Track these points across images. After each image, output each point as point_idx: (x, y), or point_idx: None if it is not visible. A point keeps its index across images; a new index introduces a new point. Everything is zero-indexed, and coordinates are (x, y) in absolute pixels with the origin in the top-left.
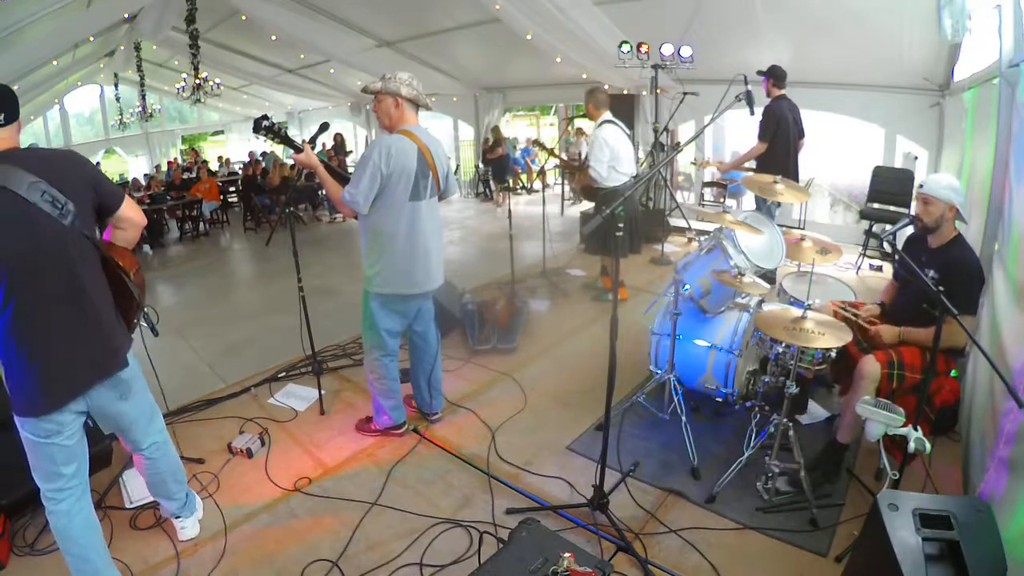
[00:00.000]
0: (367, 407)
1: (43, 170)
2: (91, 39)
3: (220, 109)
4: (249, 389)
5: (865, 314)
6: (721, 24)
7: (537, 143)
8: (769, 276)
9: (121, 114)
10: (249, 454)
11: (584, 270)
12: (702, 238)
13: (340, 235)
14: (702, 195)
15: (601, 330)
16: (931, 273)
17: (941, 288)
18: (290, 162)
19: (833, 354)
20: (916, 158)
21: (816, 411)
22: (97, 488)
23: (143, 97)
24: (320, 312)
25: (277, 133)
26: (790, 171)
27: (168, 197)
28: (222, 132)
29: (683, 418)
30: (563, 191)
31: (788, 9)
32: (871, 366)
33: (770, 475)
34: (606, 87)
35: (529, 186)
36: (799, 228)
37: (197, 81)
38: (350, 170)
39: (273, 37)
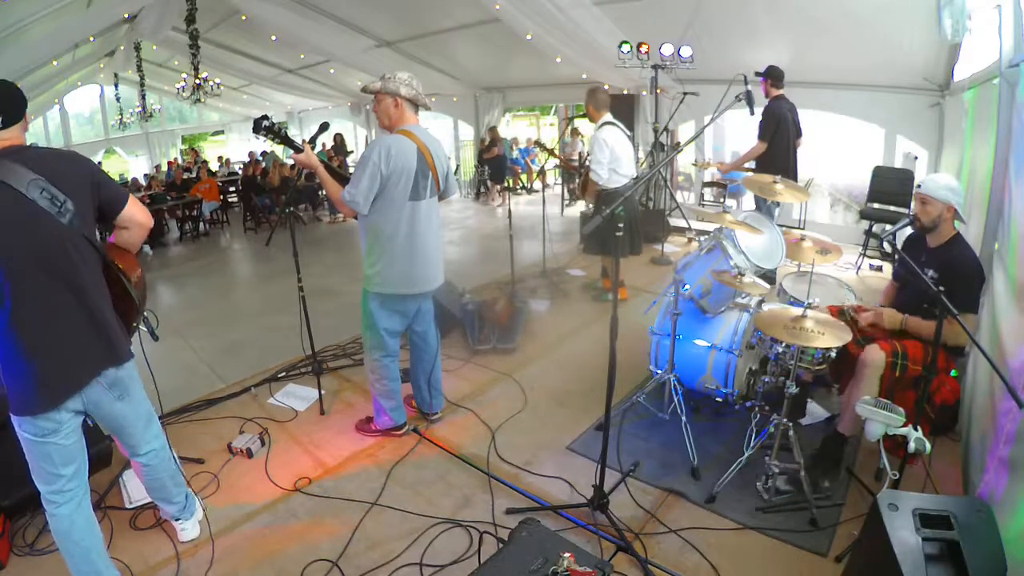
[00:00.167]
0: (367, 407)
1: (43, 168)
2: (91, 39)
3: (220, 109)
4: (249, 389)
5: (863, 320)
6: (721, 24)
7: (539, 144)
8: (769, 276)
9: (121, 114)
10: (249, 454)
11: (584, 270)
12: (702, 238)
13: (340, 235)
14: (702, 195)
15: (601, 330)
16: (931, 273)
17: (941, 288)
18: (290, 162)
19: (833, 354)
20: (916, 158)
21: (816, 411)
22: (97, 488)
23: (143, 97)
24: (320, 312)
25: (277, 133)
26: (790, 170)
27: (168, 197)
28: (222, 132)
29: (683, 418)
30: (563, 191)
31: (788, 9)
32: (876, 355)
33: (770, 475)
34: (606, 87)
35: (529, 186)
36: (799, 228)
37: (197, 81)
38: (351, 170)
39: (273, 37)
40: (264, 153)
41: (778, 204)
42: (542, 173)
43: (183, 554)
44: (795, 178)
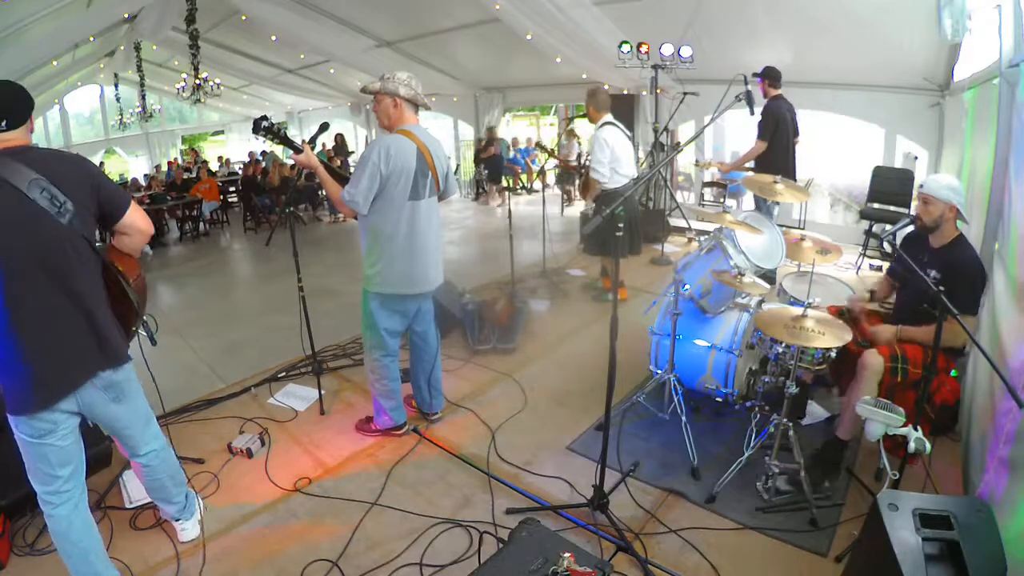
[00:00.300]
0: (367, 407)
1: (45, 168)
2: (91, 39)
3: (220, 109)
4: (249, 389)
5: (854, 304)
6: (721, 24)
7: (539, 145)
8: (769, 276)
9: (121, 114)
10: (249, 454)
11: (584, 270)
12: (702, 238)
13: (340, 235)
14: (702, 195)
15: (601, 330)
16: (933, 273)
17: (941, 288)
18: (290, 162)
19: (833, 354)
20: (916, 158)
21: (816, 411)
22: (97, 488)
23: (143, 97)
24: (320, 312)
25: (276, 134)
26: (789, 170)
27: (168, 197)
28: (222, 132)
29: (683, 418)
30: (562, 195)
31: (788, 9)
32: (874, 359)
33: (770, 475)
34: (606, 87)
35: (529, 186)
36: (799, 228)
37: (197, 81)
38: (352, 171)
39: (273, 37)
40: (264, 153)
41: (777, 204)
42: (542, 173)
43: (183, 554)
44: (794, 177)
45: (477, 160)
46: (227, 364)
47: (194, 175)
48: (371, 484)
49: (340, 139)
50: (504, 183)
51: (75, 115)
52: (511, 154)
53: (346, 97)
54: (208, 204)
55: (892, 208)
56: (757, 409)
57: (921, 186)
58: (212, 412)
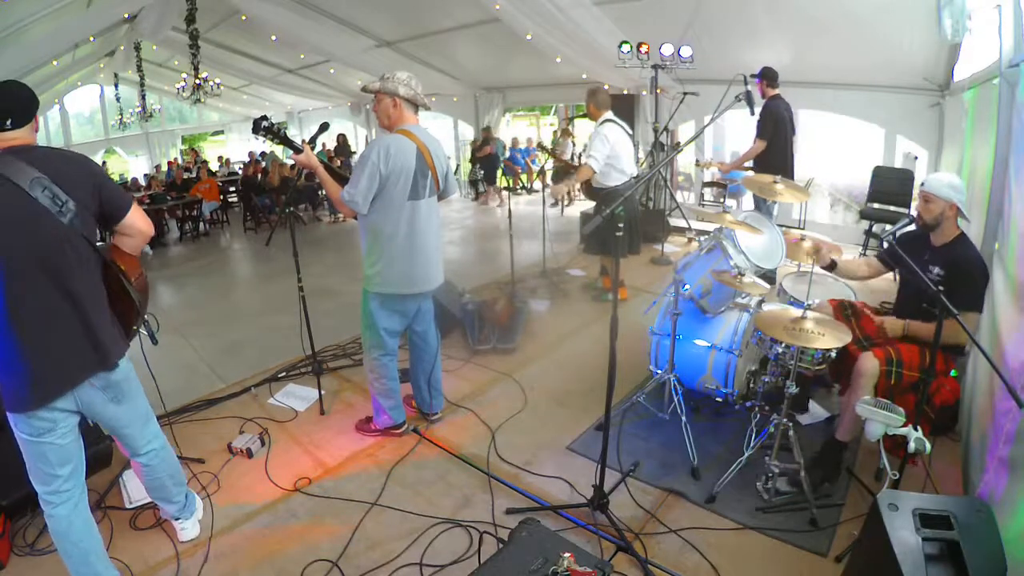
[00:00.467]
0: (367, 407)
1: (47, 167)
2: (91, 39)
3: (220, 109)
4: (249, 389)
5: (816, 247)
6: (721, 24)
7: (540, 146)
8: (769, 276)
9: (121, 114)
10: (249, 454)
11: (584, 270)
12: (702, 238)
13: (340, 235)
14: (702, 195)
15: (601, 330)
16: (936, 270)
17: (941, 288)
18: (290, 162)
19: (833, 354)
20: (916, 158)
21: (816, 411)
22: (97, 488)
23: (143, 97)
24: (320, 312)
25: (276, 134)
26: (788, 169)
27: (168, 197)
28: (222, 132)
29: (683, 418)
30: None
31: (788, 9)
32: (870, 363)
33: (770, 475)
34: (606, 87)
35: (529, 186)
36: (799, 228)
37: (197, 81)
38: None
39: (273, 37)
40: (263, 153)
41: (775, 203)
42: (542, 173)
43: (183, 554)
44: (792, 176)
45: (473, 160)
46: (227, 364)
47: (194, 175)
48: (371, 484)
49: (342, 139)
50: (504, 183)
51: (75, 115)
52: (507, 153)
53: (346, 97)
54: (208, 204)
55: (892, 208)
56: (757, 409)
57: (922, 184)
58: (212, 412)
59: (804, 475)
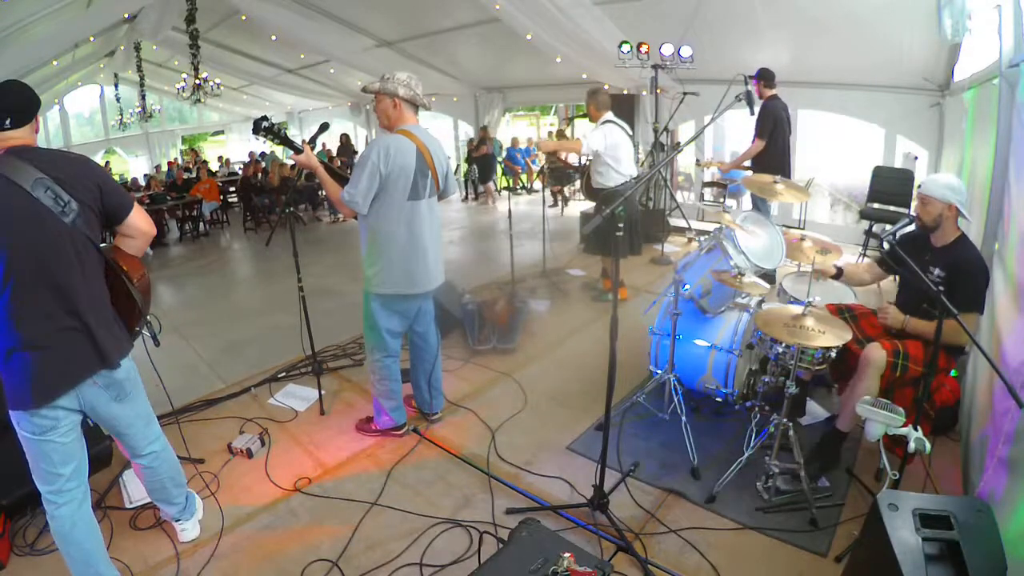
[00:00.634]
0: (367, 407)
1: (49, 167)
2: (91, 39)
3: (220, 109)
4: (249, 389)
5: (822, 271)
6: (721, 24)
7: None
8: (769, 276)
9: (121, 114)
10: (249, 454)
11: (584, 270)
12: (702, 238)
13: (340, 235)
14: (702, 195)
15: (601, 330)
16: (937, 271)
17: (941, 288)
18: (290, 162)
19: (833, 354)
20: (916, 158)
21: (816, 411)
22: (97, 488)
23: (143, 97)
24: (320, 312)
25: (276, 134)
26: (786, 168)
27: (168, 197)
28: (222, 132)
29: (683, 418)
30: (555, 197)
31: (788, 9)
32: (877, 354)
33: (770, 475)
34: (606, 87)
35: (529, 186)
36: (799, 228)
37: (197, 81)
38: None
39: (273, 37)
40: (263, 153)
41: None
42: (542, 173)
43: (183, 554)
44: (789, 175)
45: (469, 159)
46: (227, 364)
47: (194, 175)
48: (371, 484)
49: (345, 139)
50: (505, 183)
51: (75, 115)
52: (503, 153)
53: (346, 97)
54: (208, 204)
55: (892, 208)
56: (757, 409)
57: (919, 187)
58: (212, 412)
59: (804, 475)
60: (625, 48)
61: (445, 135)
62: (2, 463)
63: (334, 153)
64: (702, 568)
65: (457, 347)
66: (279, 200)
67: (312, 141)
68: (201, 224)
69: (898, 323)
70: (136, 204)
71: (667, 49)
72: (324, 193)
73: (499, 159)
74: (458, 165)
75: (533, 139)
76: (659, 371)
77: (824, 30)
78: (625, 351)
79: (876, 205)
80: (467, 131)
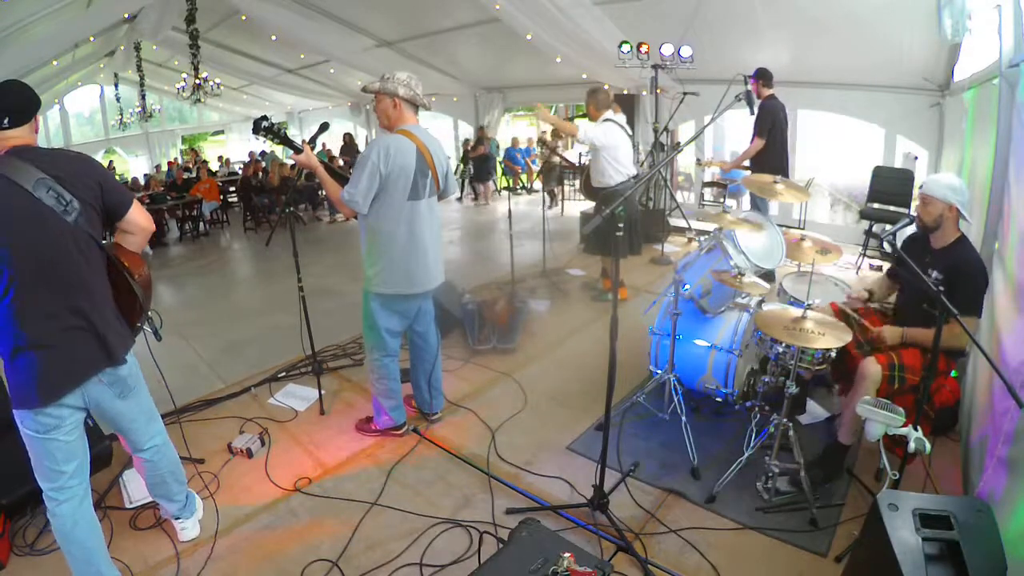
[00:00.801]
0: (367, 407)
1: (50, 167)
2: (91, 39)
3: (220, 109)
4: (249, 389)
5: (851, 303)
6: (721, 24)
7: (542, 141)
8: (769, 276)
9: (121, 114)
10: (249, 454)
11: (584, 270)
12: (702, 238)
13: (340, 235)
14: (702, 195)
15: (601, 330)
16: (935, 273)
17: (942, 288)
18: (290, 162)
19: (833, 354)
20: (916, 158)
21: (816, 411)
22: (97, 488)
23: (143, 97)
24: (320, 312)
25: (276, 134)
26: (785, 167)
27: (168, 197)
28: (222, 132)
29: (683, 418)
30: (550, 197)
31: (788, 9)
32: (872, 367)
33: (770, 475)
34: (606, 87)
35: (529, 186)
36: (799, 228)
37: (197, 81)
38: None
39: (273, 37)
40: (263, 153)
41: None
42: (542, 173)
43: (183, 554)
44: (787, 175)
45: (465, 159)
46: (227, 364)
47: (194, 175)
48: (371, 484)
49: (349, 139)
50: (505, 183)
51: (75, 115)
52: (499, 153)
53: (346, 97)
54: (208, 204)
55: (892, 208)
56: (757, 409)
57: (921, 186)
58: (212, 412)
59: (804, 475)
60: (625, 48)
61: (445, 135)
62: (2, 463)
63: (336, 153)
64: (702, 568)
65: (457, 347)
66: (279, 200)
67: (312, 141)
68: (201, 224)
69: (897, 339)
70: (135, 200)
71: (667, 49)
72: (324, 193)
73: (499, 159)
74: (458, 166)
75: (539, 105)
76: (659, 371)
77: (824, 30)
78: (625, 351)
79: (876, 205)
80: (467, 131)
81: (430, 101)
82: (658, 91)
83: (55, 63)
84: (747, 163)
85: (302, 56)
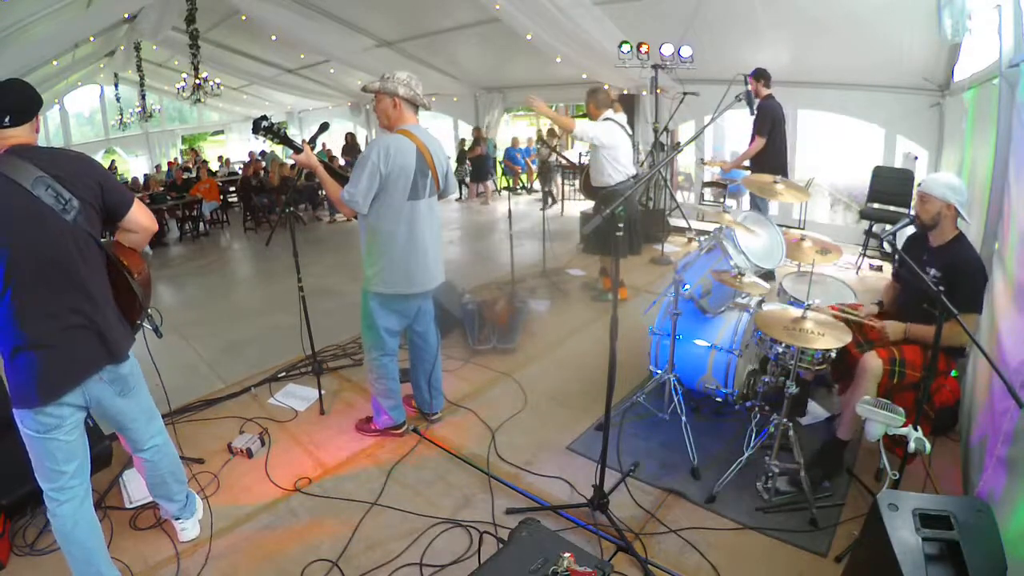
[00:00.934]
0: (367, 407)
1: (50, 166)
2: (91, 39)
3: (220, 109)
4: (249, 389)
5: (864, 315)
6: (721, 24)
7: (542, 140)
8: (769, 276)
9: (121, 114)
10: (249, 454)
11: (584, 270)
12: (702, 238)
13: (340, 235)
14: (702, 195)
15: (601, 330)
16: (933, 272)
17: (941, 288)
18: (290, 162)
19: (833, 354)
20: (916, 158)
21: (816, 411)
22: (97, 488)
23: (143, 97)
24: (320, 312)
25: (276, 134)
26: (784, 166)
27: (168, 197)
28: (222, 132)
29: (683, 418)
30: (550, 195)
31: (788, 9)
32: (874, 362)
33: (770, 475)
34: (606, 87)
35: (529, 186)
36: (799, 228)
37: (197, 81)
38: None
39: (273, 37)
40: (263, 152)
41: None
42: (539, 174)
43: (183, 554)
44: (786, 174)
45: (462, 159)
46: (227, 364)
47: (194, 175)
48: (371, 484)
49: (351, 139)
50: (504, 183)
51: (75, 115)
52: (495, 153)
53: (346, 97)
54: (208, 204)
55: (892, 208)
56: (757, 409)
57: (919, 184)
58: (212, 412)
59: (804, 475)
60: (625, 48)
61: (445, 135)
62: (2, 463)
63: (337, 152)
64: (702, 568)
65: (457, 347)
66: (279, 200)
67: (312, 141)
68: (201, 224)
69: (899, 335)
70: (136, 200)
71: (667, 49)
72: (324, 193)
73: (500, 160)
74: (458, 166)
75: (531, 97)
76: (659, 371)
77: (824, 30)
78: (625, 351)
79: (876, 205)
80: (467, 131)
81: (430, 101)
82: (658, 91)
83: (55, 63)
84: (747, 163)
85: (302, 56)
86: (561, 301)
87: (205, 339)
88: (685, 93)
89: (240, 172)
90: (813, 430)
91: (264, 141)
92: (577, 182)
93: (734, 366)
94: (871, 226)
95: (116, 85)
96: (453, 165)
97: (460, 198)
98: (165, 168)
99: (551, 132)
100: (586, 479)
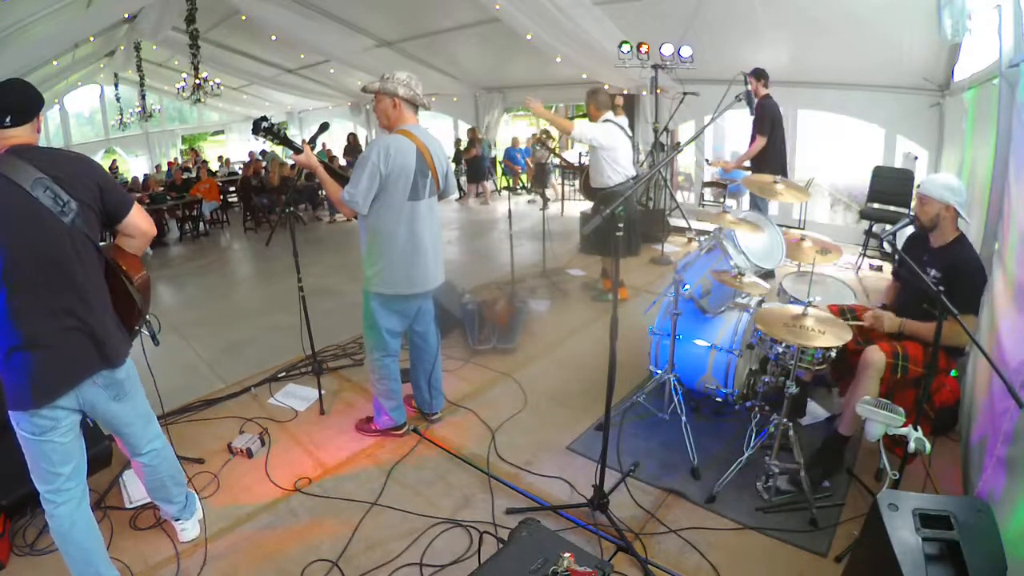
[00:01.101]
0: (367, 407)
1: (49, 167)
2: (91, 39)
3: (220, 109)
4: (249, 389)
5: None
6: (721, 24)
7: (541, 141)
8: (769, 276)
9: (121, 114)
10: (249, 454)
11: (584, 270)
12: (702, 238)
13: (340, 235)
14: (702, 195)
15: (601, 330)
16: (933, 272)
17: (941, 288)
18: (290, 162)
19: (833, 354)
20: (916, 158)
21: (816, 411)
22: (97, 488)
23: (143, 97)
24: (320, 312)
25: (276, 134)
26: (784, 166)
27: (168, 197)
28: (222, 132)
29: (683, 418)
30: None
31: (788, 9)
32: (876, 355)
33: (770, 475)
34: (606, 87)
35: (529, 186)
36: (799, 228)
37: (197, 81)
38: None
39: (273, 37)
40: (263, 152)
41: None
42: (535, 175)
43: (183, 554)
44: (785, 173)
45: (458, 160)
46: (227, 364)
47: (194, 175)
48: (371, 484)
49: (352, 139)
50: (504, 183)
51: (75, 115)
52: (492, 153)
53: (346, 97)
54: (208, 204)
55: (892, 208)
56: (757, 409)
57: (918, 186)
58: (212, 412)
59: (804, 475)
60: (625, 48)
61: (445, 135)
62: (2, 463)
63: (337, 152)
64: (702, 568)
65: (457, 347)
66: (279, 200)
67: (312, 141)
68: (201, 224)
69: (895, 327)
70: (136, 203)
71: (667, 49)
72: (324, 193)
73: (499, 160)
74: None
75: (529, 98)
76: (659, 371)
77: (824, 30)
78: (625, 351)
79: (876, 205)
80: (467, 131)
81: (430, 101)
82: (658, 91)
83: (55, 63)
84: (747, 163)
85: (302, 56)
86: (561, 301)
87: (205, 339)
88: (685, 93)
89: (240, 172)
90: (813, 430)
91: (264, 141)
92: (577, 183)
93: (734, 366)
94: (871, 226)
95: (116, 85)
96: (453, 166)
97: (460, 198)
98: (165, 168)
99: (546, 132)
100: (586, 479)
